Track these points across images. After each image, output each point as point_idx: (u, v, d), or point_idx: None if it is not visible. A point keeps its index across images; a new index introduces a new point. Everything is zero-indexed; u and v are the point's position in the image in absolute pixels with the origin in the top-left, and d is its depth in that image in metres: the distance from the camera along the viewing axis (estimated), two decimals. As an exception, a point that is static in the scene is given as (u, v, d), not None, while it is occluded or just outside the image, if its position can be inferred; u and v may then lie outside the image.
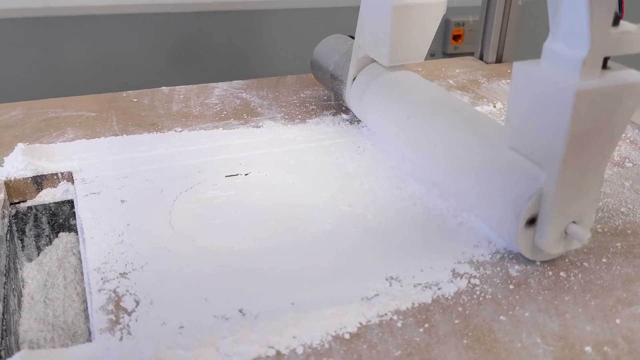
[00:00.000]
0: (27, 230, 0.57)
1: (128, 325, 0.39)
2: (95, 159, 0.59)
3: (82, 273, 0.53)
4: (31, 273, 0.55)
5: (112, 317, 0.39)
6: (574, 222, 0.44)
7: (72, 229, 0.58)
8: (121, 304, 0.41)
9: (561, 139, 0.39)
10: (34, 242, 0.58)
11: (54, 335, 0.48)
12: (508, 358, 0.37)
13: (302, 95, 0.77)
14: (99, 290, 0.42)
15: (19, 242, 0.57)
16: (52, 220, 0.58)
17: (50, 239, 0.58)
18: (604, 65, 0.40)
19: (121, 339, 0.38)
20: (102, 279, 0.43)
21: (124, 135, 0.65)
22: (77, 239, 0.58)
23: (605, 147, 0.42)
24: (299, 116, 0.71)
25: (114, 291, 0.42)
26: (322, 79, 0.75)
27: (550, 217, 0.42)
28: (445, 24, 1.47)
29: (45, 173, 0.56)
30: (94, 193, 0.54)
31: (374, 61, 0.65)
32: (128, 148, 0.62)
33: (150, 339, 0.37)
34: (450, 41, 1.48)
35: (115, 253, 0.46)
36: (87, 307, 0.50)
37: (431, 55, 1.53)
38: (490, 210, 0.47)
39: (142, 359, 0.35)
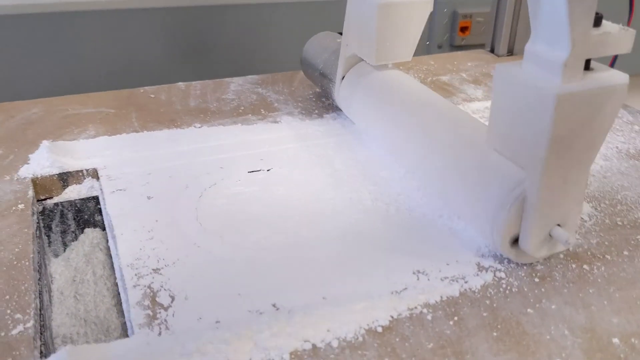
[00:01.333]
0: (53, 226, 0.58)
1: (165, 320, 0.40)
2: (118, 155, 0.60)
3: (110, 269, 0.54)
4: (58, 269, 0.56)
5: (149, 312, 0.40)
6: (558, 225, 0.44)
7: (97, 224, 0.59)
8: (157, 299, 0.42)
9: (543, 142, 0.39)
10: (60, 238, 0.59)
11: (87, 330, 0.49)
12: (538, 350, 0.38)
13: (317, 89, 0.78)
14: (134, 286, 0.43)
15: (46, 238, 0.58)
16: (77, 217, 0.59)
17: (75, 234, 0.59)
18: (587, 67, 0.40)
19: (160, 333, 0.39)
20: (135, 274, 0.44)
21: (145, 132, 0.65)
22: (103, 235, 0.59)
23: (587, 150, 0.41)
24: (316, 111, 0.72)
25: (149, 287, 0.43)
26: (312, 77, 0.74)
27: (534, 220, 0.42)
28: (452, 15, 1.48)
29: (70, 170, 0.57)
30: (120, 190, 0.55)
31: (363, 60, 0.65)
32: (150, 144, 0.62)
33: (189, 333, 0.38)
34: (458, 33, 1.49)
35: (146, 249, 0.47)
36: (117, 303, 0.51)
37: (438, 47, 1.53)
38: (473, 215, 0.47)
39: (183, 353, 0.36)
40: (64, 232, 0.59)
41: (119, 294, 0.52)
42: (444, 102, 0.57)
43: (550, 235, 0.44)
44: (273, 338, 0.37)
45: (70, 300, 0.52)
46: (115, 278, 0.53)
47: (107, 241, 0.58)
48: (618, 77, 0.40)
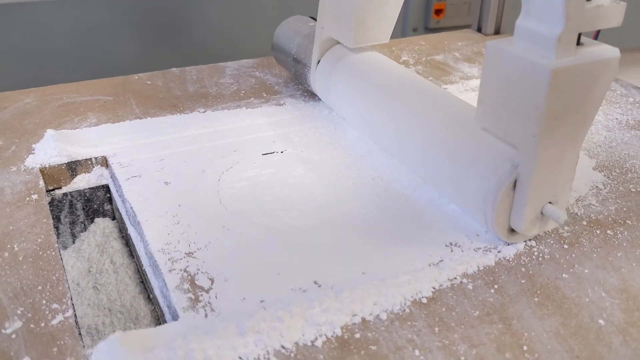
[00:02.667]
0: (62, 217, 0.56)
1: (209, 303, 0.39)
2: (126, 142, 0.59)
3: (129, 257, 0.53)
4: (70, 260, 0.54)
5: (191, 295, 0.40)
6: (549, 202, 0.43)
7: (106, 214, 0.58)
8: (196, 282, 0.41)
9: (537, 119, 0.39)
10: (68, 229, 0.57)
11: (113, 319, 0.48)
12: (580, 312, 0.39)
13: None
14: (170, 271, 0.42)
15: (55, 229, 0.56)
16: (86, 206, 0.57)
17: (85, 225, 0.58)
18: (578, 42, 0.39)
19: (206, 315, 0.38)
20: (169, 259, 0.43)
21: (148, 118, 0.64)
22: (115, 224, 0.57)
23: (580, 125, 0.41)
24: (318, 93, 0.71)
25: (185, 270, 0.42)
26: (284, 62, 0.72)
27: (527, 199, 0.42)
28: (427, -2, 1.49)
29: (79, 159, 0.56)
30: (135, 176, 0.53)
31: (338, 43, 0.64)
32: (156, 130, 0.61)
33: (238, 313, 0.37)
34: (432, 16, 1.50)
35: (174, 234, 0.46)
36: (142, 290, 0.50)
37: (413, 30, 1.54)
38: (464, 195, 0.46)
39: (238, 333, 0.35)
40: (72, 223, 0.57)
41: (142, 281, 0.51)
42: (426, 83, 0.56)
43: (542, 213, 0.43)
44: (323, 314, 0.37)
45: (90, 291, 0.51)
46: (136, 266, 0.52)
47: (121, 230, 0.56)
48: (609, 51, 0.40)
